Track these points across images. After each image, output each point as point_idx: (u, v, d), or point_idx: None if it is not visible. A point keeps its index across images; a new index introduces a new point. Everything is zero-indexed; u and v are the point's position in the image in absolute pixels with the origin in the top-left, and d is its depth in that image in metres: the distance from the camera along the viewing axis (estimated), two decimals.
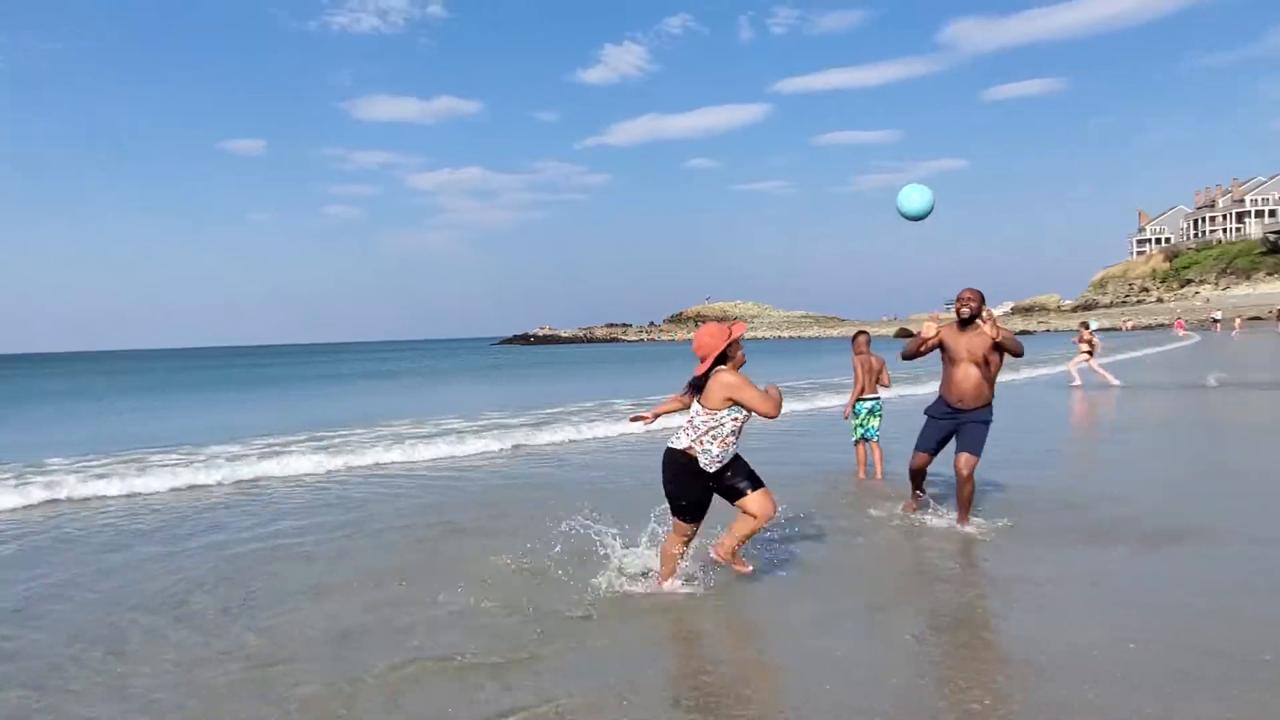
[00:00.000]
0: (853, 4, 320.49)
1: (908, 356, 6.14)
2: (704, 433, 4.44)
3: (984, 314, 5.88)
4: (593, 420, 14.07)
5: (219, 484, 9.02)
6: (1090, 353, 18.99)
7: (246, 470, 9.60)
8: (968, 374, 5.91)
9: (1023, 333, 76.70)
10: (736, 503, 4.59)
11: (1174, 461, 9.20)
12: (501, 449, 11.21)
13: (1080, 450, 10.63)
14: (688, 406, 4.66)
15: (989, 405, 5.99)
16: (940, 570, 5.06)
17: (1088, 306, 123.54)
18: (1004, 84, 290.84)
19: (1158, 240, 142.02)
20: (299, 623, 4.38)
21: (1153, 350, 35.69)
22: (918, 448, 6.24)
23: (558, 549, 5.32)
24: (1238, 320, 60.31)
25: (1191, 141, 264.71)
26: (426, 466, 10.06)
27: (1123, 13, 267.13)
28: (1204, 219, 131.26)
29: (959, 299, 5.99)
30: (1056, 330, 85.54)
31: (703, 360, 4.45)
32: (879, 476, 8.01)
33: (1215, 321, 69.87)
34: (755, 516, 4.53)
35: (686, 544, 4.69)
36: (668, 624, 4.25)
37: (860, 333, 8.24)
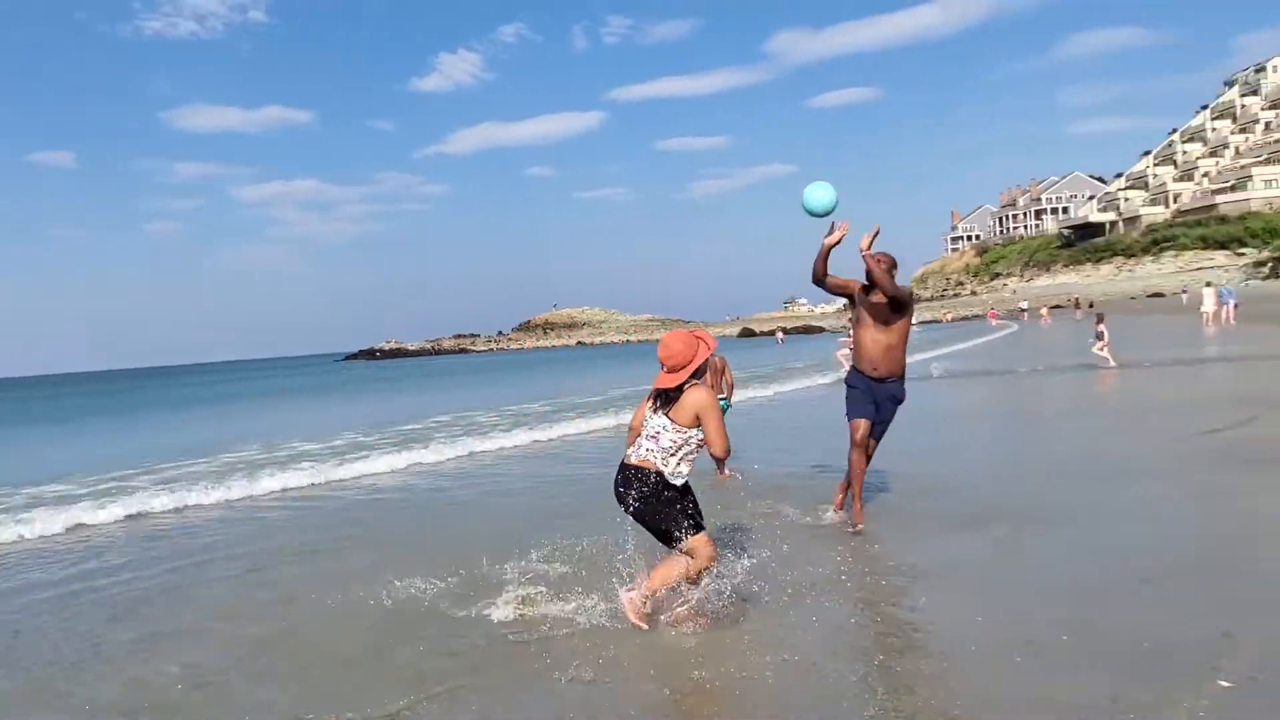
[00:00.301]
0: (683, 14, 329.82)
1: (816, 279, 5.81)
2: (672, 452, 4.04)
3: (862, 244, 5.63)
4: (457, 436, 13.66)
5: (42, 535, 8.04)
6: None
7: (80, 515, 8.61)
8: (875, 339, 5.71)
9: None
10: (680, 544, 4.08)
11: (1025, 447, 9.82)
12: (365, 472, 10.64)
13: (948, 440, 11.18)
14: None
15: (903, 376, 5.81)
16: (841, 564, 5.12)
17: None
18: (828, 92, 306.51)
19: (969, 237, 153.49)
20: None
21: (979, 340, 38.25)
22: (853, 415, 5.84)
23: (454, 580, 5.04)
24: (1044, 310, 65.76)
25: (995, 145, 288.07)
26: (279, 497, 9.39)
27: (930, 25, 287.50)
28: (1008, 217, 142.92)
29: (877, 260, 5.66)
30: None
31: (676, 370, 4.01)
32: (726, 475, 8.14)
33: (1023, 311, 76.08)
34: (697, 560, 4.06)
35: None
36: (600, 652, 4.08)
37: None
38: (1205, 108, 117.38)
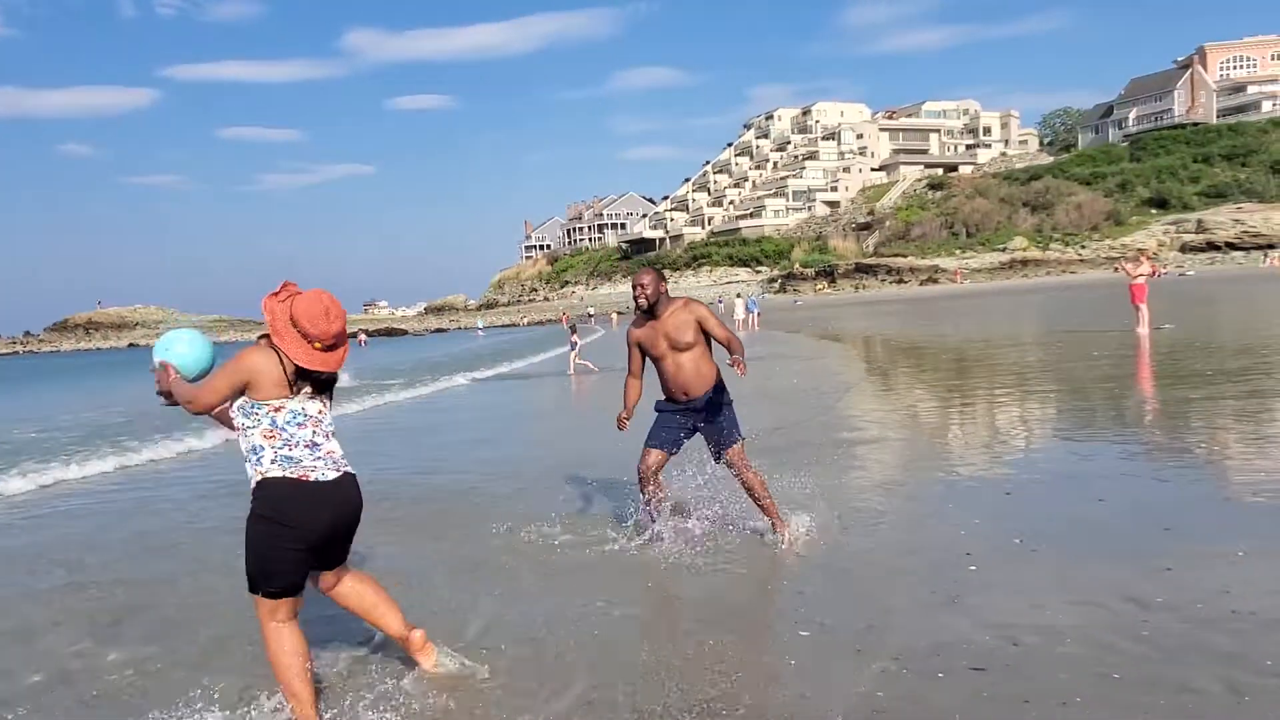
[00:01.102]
0: None
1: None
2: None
3: None
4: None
5: None
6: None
7: None
8: (679, 363, 5.13)
9: (438, 330, 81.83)
10: (335, 580, 3.46)
11: None
12: None
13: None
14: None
15: (720, 385, 5.23)
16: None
17: (490, 305, 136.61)
18: (405, 95, 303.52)
19: (541, 246, 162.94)
20: None
21: (590, 339, 41.08)
22: (647, 444, 5.24)
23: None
24: (613, 315, 72.39)
25: (563, 161, 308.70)
26: None
27: (498, 43, 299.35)
28: (574, 229, 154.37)
29: (634, 286, 5.20)
30: (466, 328, 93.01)
31: (332, 348, 3.22)
32: None
33: (590, 316, 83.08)
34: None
35: None
36: None
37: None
38: (730, 145, 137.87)
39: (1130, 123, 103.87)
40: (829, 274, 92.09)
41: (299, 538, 3.12)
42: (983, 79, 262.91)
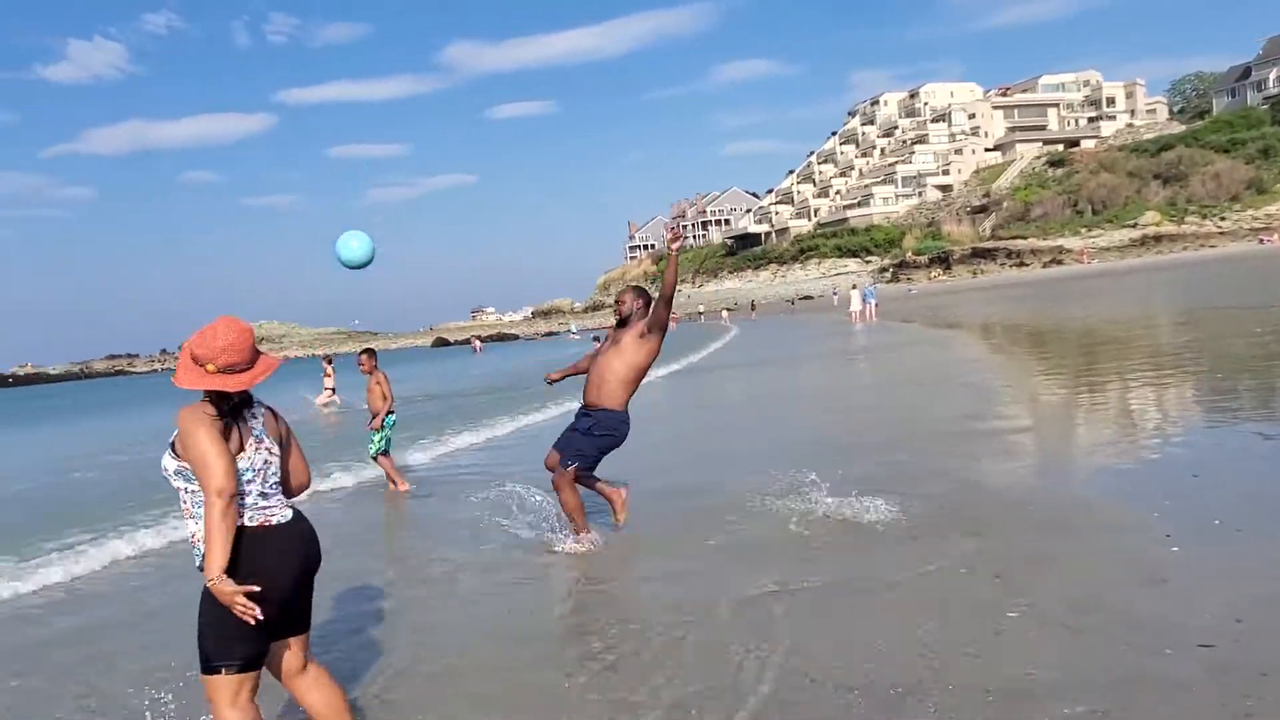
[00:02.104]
0: (352, 17, 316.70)
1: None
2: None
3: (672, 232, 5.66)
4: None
5: None
6: None
7: None
8: (599, 365, 5.50)
9: (548, 334, 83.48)
10: (297, 665, 3.01)
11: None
12: None
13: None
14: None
15: (614, 411, 5.42)
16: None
17: (596, 307, 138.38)
18: (505, 104, 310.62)
19: (645, 246, 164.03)
20: None
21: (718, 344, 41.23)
22: (554, 444, 5.70)
23: None
24: (724, 311, 72.37)
25: (664, 159, 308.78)
26: None
27: (597, 46, 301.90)
28: (678, 227, 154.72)
29: (616, 300, 5.69)
30: (584, 329, 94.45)
31: (244, 371, 2.83)
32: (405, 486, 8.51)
33: (700, 314, 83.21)
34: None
35: None
36: None
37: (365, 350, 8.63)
38: (834, 134, 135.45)
39: (1271, 84, 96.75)
40: (943, 260, 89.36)
41: (266, 594, 2.68)
42: (1103, 48, 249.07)
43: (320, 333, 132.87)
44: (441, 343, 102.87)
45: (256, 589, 2.66)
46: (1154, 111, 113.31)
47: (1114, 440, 7.78)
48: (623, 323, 5.53)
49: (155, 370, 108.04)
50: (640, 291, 5.62)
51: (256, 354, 2.86)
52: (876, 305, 38.77)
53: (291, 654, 2.97)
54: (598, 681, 3.67)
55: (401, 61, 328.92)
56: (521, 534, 6.04)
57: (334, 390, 19.94)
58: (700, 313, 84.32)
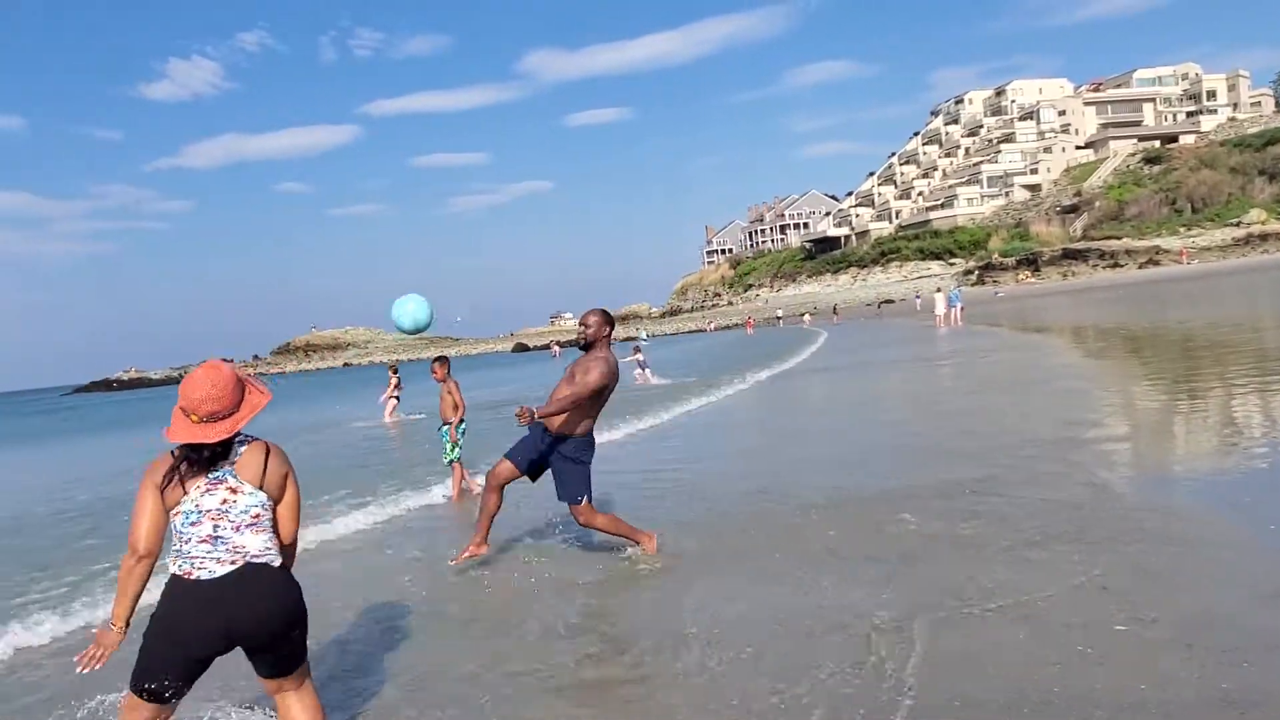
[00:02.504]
0: (434, 29, 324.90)
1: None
2: (274, 539, 2.91)
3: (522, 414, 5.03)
4: None
5: None
6: None
7: None
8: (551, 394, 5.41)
9: (627, 339, 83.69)
10: (278, 691, 3.00)
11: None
12: None
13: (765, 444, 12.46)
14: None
15: (574, 437, 5.33)
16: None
17: (674, 312, 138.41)
18: (582, 111, 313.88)
19: (723, 251, 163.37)
20: None
21: (812, 348, 40.98)
22: (506, 454, 5.54)
23: None
24: (806, 316, 71.56)
25: (741, 163, 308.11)
26: None
27: (672, 51, 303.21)
28: (756, 231, 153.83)
29: (580, 324, 5.51)
30: (654, 335, 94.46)
31: (213, 418, 2.77)
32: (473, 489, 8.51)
33: (778, 318, 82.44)
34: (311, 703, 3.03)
35: None
36: None
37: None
38: (917, 134, 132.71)
39: None
40: (1031, 262, 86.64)
41: (175, 643, 2.74)
42: (1202, 38, 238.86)
43: (403, 339, 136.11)
44: (521, 348, 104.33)
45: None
46: (1259, 104, 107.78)
47: (1221, 450, 7.43)
48: (585, 347, 5.43)
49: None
50: (606, 317, 5.48)
51: (241, 396, 2.81)
52: (962, 309, 37.82)
53: (267, 684, 3.00)
54: (728, 688, 3.69)
55: (482, 71, 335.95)
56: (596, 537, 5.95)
57: (399, 399, 19.92)
58: (778, 317, 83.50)
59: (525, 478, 5.57)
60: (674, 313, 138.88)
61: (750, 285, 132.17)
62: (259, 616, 2.77)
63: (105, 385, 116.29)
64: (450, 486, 8.76)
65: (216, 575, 2.75)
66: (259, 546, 2.82)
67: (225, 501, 2.81)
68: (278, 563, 2.86)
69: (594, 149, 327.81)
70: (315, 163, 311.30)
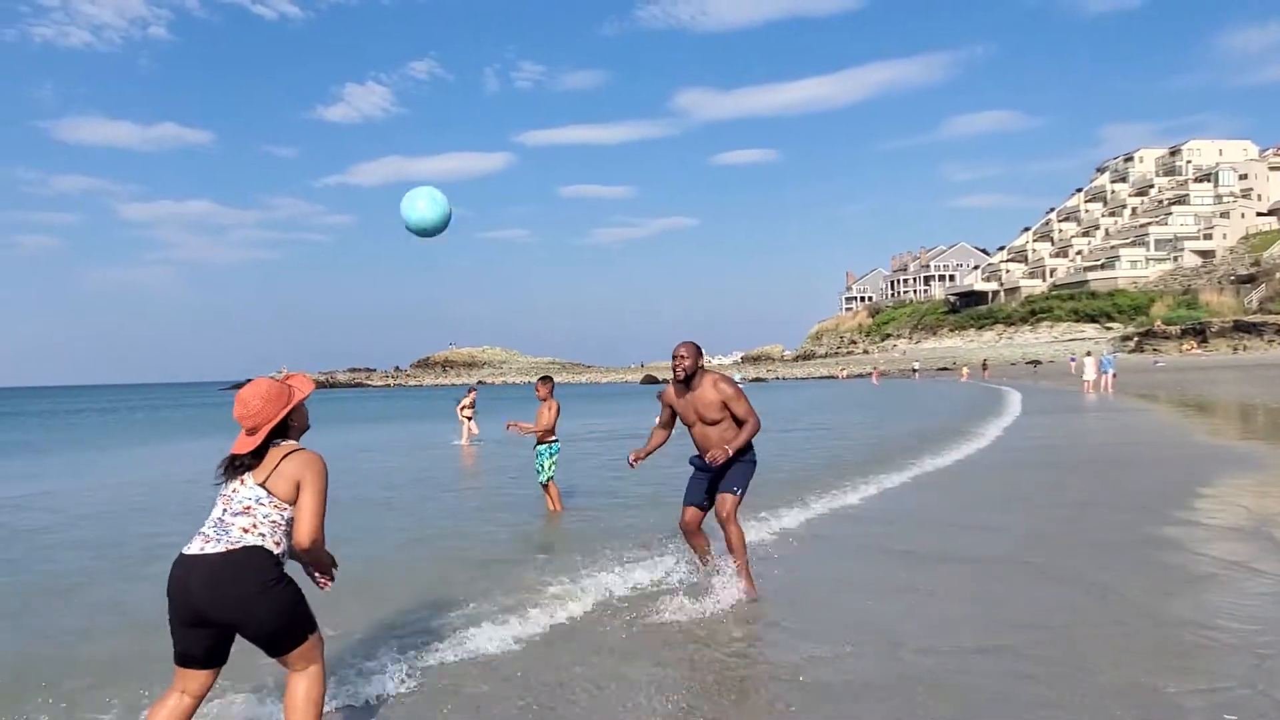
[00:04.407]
0: (593, 65, 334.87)
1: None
2: (275, 533, 3.08)
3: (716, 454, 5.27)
4: None
5: None
6: None
7: None
8: (705, 434, 5.53)
9: (756, 380, 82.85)
10: (294, 651, 3.10)
11: None
12: None
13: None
14: None
15: (744, 448, 5.51)
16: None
17: (807, 356, 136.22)
18: (729, 151, 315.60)
19: (862, 298, 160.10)
20: None
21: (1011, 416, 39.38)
22: (685, 501, 5.69)
23: None
24: (963, 370, 68.92)
25: (887, 211, 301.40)
26: None
27: (826, 96, 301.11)
28: (898, 280, 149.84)
29: (674, 356, 5.54)
30: (783, 378, 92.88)
31: (253, 431, 3.10)
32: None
33: (915, 371, 79.65)
34: (314, 677, 3.13)
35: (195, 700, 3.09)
36: None
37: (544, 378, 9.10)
38: (1080, 190, 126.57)
39: None
40: (1199, 332, 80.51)
41: (169, 607, 3.03)
42: None
43: (537, 361, 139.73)
44: (650, 380, 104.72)
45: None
46: None
47: None
48: (686, 381, 5.55)
49: (389, 385, 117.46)
50: (698, 349, 5.61)
51: (279, 408, 3.12)
52: (1114, 375, 35.37)
53: (282, 664, 3.14)
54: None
55: (635, 107, 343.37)
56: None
57: (472, 419, 19.46)
58: (914, 369, 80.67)
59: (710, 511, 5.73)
60: (807, 356, 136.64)
61: (888, 335, 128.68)
62: (207, 597, 2.95)
63: None
64: (549, 503, 9.17)
65: (191, 551, 3.03)
66: (236, 534, 3.03)
67: (235, 491, 3.12)
68: (248, 546, 2.99)
69: (739, 188, 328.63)
70: (469, 186, 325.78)
